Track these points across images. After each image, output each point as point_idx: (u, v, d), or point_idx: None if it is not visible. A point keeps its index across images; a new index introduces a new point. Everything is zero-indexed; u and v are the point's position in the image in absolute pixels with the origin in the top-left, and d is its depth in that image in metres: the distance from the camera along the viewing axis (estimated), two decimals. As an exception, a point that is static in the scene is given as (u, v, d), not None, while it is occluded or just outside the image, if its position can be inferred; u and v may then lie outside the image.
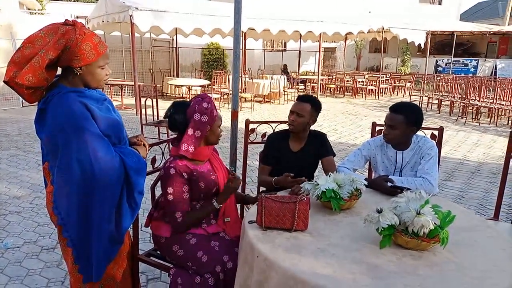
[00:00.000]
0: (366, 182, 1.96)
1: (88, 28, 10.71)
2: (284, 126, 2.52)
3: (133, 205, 1.78)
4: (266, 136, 2.64)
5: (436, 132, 2.67)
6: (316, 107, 2.42)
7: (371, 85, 13.77)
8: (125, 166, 1.67)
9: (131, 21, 8.45)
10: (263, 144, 2.62)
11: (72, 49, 1.55)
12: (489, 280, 1.32)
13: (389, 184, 2.14)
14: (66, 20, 1.62)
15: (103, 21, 10.06)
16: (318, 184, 1.85)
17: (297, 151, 2.48)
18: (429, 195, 1.59)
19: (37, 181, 4.45)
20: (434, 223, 1.47)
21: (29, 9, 14.91)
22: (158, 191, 2.00)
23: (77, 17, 11.92)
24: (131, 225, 1.89)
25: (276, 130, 2.65)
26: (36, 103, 1.67)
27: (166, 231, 1.95)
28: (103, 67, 1.65)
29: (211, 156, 2.05)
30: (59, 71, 1.67)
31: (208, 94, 1.96)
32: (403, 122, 2.21)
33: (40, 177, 4.53)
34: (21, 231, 3.24)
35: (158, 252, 2.16)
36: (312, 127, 2.50)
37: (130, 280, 1.99)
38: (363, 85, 13.79)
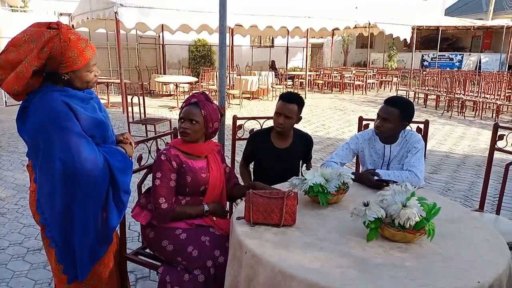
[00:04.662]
0: (353, 176, 1.97)
1: (72, 25, 10.51)
2: (272, 122, 2.52)
3: (120, 205, 1.76)
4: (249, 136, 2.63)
5: (422, 126, 2.70)
6: (301, 105, 2.41)
7: (359, 80, 13.86)
8: (110, 166, 1.65)
9: (116, 18, 8.33)
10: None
11: (57, 57, 1.51)
12: (473, 270, 1.34)
13: (375, 177, 2.16)
14: (50, 23, 1.55)
15: (87, 18, 9.89)
16: (305, 179, 1.85)
17: (283, 148, 2.47)
18: (415, 187, 1.61)
19: (22, 181, 4.37)
20: (420, 215, 1.49)
21: (11, 7, 14.58)
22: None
23: (61, 14, 11.71)
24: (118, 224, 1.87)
25: (262, 127, 2.65)
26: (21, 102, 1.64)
27: (143, 218, 1.97)
28: (91, 70, 1.62)
29: (210, 156, 2.06)
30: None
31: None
32: (398, 116, 2.22)
33: (25, 177, 4.45)
34: (6, 233, 3.18)
35: (146, 250, 2.14)
36: (301, 122, 2.51)
37: (117, 279, 1.97)
38: (350, 80, 13.87)
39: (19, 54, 1.48)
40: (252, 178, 2.64)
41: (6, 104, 9.37)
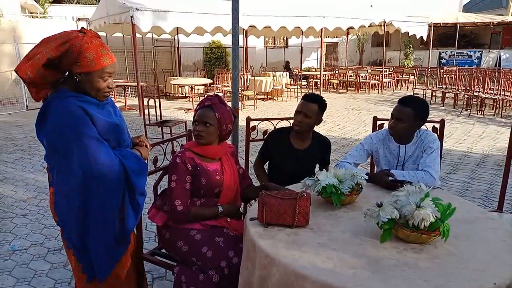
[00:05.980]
0: (366, 177, 1.96)
1: (90, 30, 10.77)
2: (285, 123, 2.53)
3: (136, 207, 1.80)
4: (268, 133, 2.65)
5: (437, 125, 2.66)
6: (323, 107, 2.41)
7: (374, 79, 13.71)
8: (125, 168, 1.69)
9: (132, 22, 8.47)
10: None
11: (74, 54, 1.56)
12: (489, 271, 1.32)
13: (390, 178, 2.14)
14: (82, 28, 1.66)
15: (104, 22, 10.09)
16: (318, 180, 1.85)
17: (302, 150, 2.48)
18: (430, 188, 1.60)
19: (43, 183, 4.49)
20: (435, 216, 1.48)
21: (31, 13, 14.99)
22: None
23: (79, 19, 11.97)
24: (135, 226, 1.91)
25: (277, 127, 2.66)
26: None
27: (159, 219, 2.01)
28: (104, 78, 1.64)
29: (224, 158, 2.08)
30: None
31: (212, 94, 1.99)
32: (412, 116, 2.20)
33: (45, 179, 4.57)
34: (28, 233, 3.27)
35: (162, 251, 2.18)
36: None
37: (134, 279, 2.01)
38: (366, 79, 13.73)
39: (46, 47, 1.56)
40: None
41: (27, 108, 9.63)
